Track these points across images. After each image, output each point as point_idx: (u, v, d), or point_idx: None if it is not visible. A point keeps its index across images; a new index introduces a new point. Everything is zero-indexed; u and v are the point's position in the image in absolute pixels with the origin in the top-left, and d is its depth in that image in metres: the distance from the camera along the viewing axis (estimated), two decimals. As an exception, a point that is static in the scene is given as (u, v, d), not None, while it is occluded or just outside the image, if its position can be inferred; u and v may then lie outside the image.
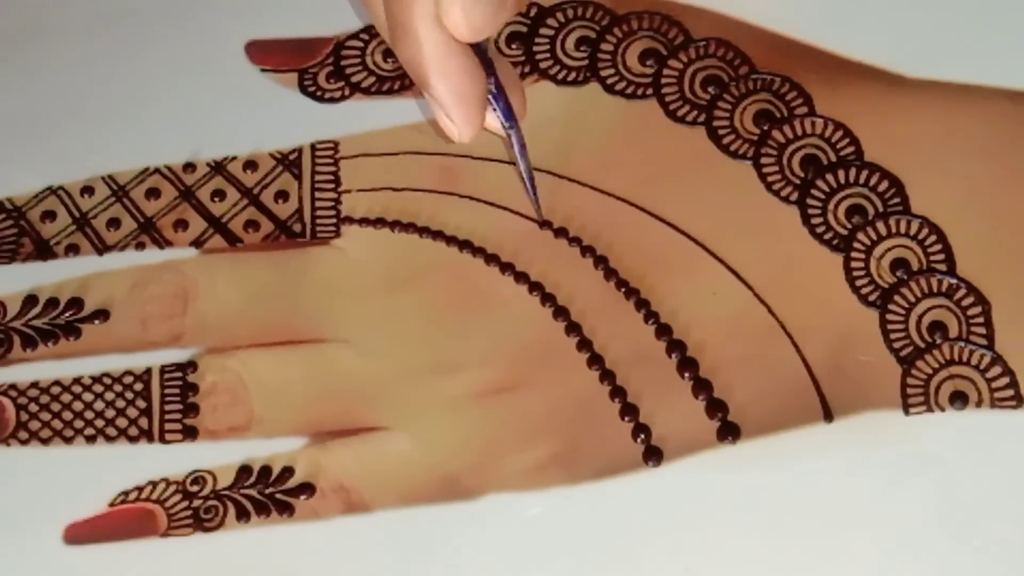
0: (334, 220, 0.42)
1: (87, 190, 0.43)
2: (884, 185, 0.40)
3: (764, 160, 0.41)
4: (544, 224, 0.40)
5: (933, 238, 0.39)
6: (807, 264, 0.39)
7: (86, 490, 0.38)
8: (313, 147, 0.43)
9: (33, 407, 0.39)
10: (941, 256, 0.38)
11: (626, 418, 0.37)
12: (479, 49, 0.35)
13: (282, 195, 0.42)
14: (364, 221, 0.41)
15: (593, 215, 0.40)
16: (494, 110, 0.37)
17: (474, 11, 0.34)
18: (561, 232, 0.40)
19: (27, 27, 0.47)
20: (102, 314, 0.41)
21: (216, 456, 0.38)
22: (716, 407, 0.37)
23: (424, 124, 0.43)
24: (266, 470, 0.38)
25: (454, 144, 0.38)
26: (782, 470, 0.36)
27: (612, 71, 0.43)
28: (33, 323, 0.41)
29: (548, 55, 0.43)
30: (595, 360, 0.38)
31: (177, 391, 0.39)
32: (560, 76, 0.43)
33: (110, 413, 0.39)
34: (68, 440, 0.39)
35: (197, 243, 0.42)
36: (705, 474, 0.36)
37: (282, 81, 0.44)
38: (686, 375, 0.38)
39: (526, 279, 0.40)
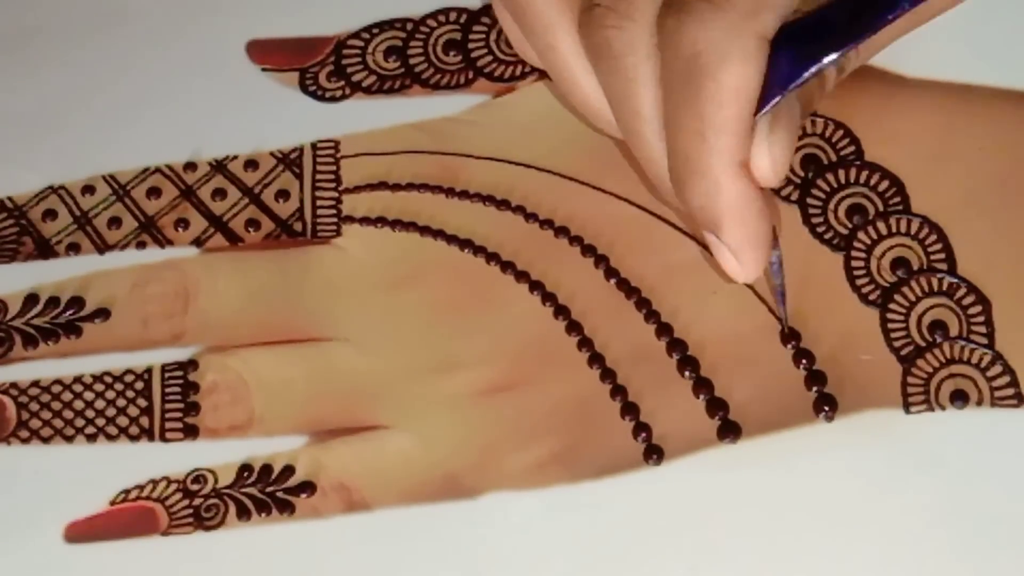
0: (335, 219, 0.42)
1: (88, 189, 0.43)
2: (884, 185, 0.40)
3: (764, 160, 0.41)
4: (786, 329, 0.38)
5: (933, 237, 0.39)
6: (807, 263, 0.39)
7: (87, 489, 0.38)
8: (314, 146, 0.43)
9: (34, 406, 0.39)
10: (941, 255, 0.38)
11: (627, 417, 0.37)
12: None
13: (283, 194, 0.42)
14: (365, 220, 0.41)
15: (594, 214, 0.40)
16: None
17: (781, 157, 0.32)
18: (562, 232, 0.40)
19: (27, 27, 0.47)
20: (103, 313, 0.41)
21: (217, 455, 0.38)
22: (716, 406, 0.37)
23: (424, 123, 0.43)
24: (267, 469, 0.38)
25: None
26: (782, 469, 0.36)
27: (613, 71, 0.43)
28: (34, 322, 0.41)
29: (549, 55, 0.43)
30: (596, 359, 0.38)
31: (178, 390, 0.39)
32: (561, 76, 0.43)
33: (111, 412, 0.39)
34: (69, 439, 0.39)
35: (198, 242, 0.42)
36: (706, 473, 0.36)
37: (283, 80, 0.44)
38: (687, 374, 0.38)
39: (527, 278, 0.40)
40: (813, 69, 0.31)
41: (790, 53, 0.31)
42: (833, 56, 0.31)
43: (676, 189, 0.33)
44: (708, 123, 0.32)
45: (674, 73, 0.32)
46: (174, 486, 0.38)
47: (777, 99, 0.32)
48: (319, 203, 0.42)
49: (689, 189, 0.33)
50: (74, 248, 0.42)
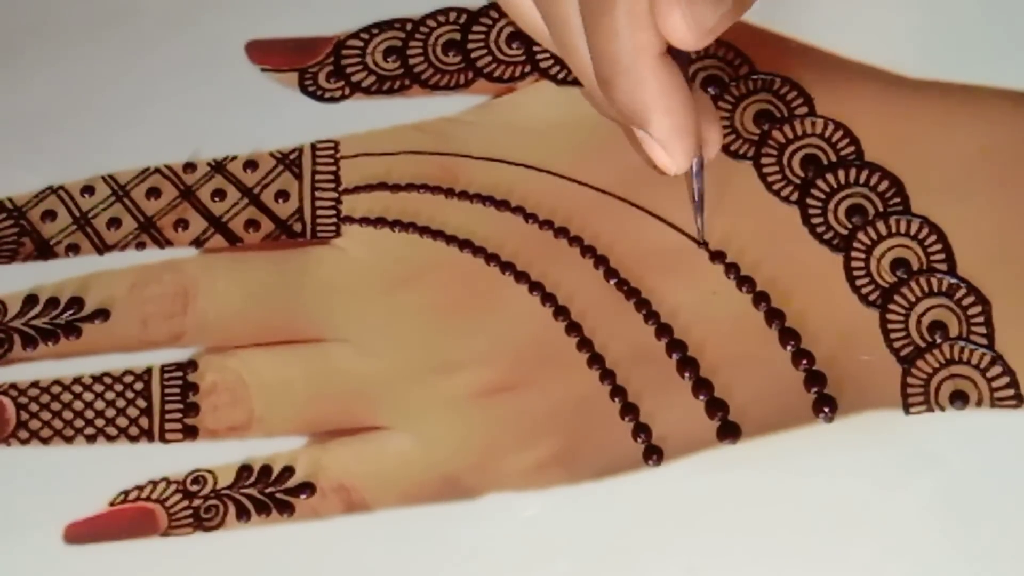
0: (334, 220, 0.42)
1: (87, 190, 0.43)
2: (884, 185, 0.40)
3: (764, 160, 0.41)
4: (703, 244, 0.39)
5: (933, 238, 0.39)
6: (807, 264, 0.39)
7: (86, 489, 0.38)
8: (313, 147, 0.43)
9: (33, 406, 0.39)
10: (941, 256, 0.38)
11: (626, 418, 0.37)
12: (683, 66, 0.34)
13: (282, 195, 0.42)
14: (364, 221, 0.41)
15: (594, 215, 0.40)
16: None
17: (704, 17, 0.32)
18: (561, 232, 0.40)
19: (27, 27, 0.47)
20: (102, 313, 0.41)
21: (216, 455, 0.38)
22: (716, 407, 0.37)
23: (424, 123, 0.43)
24: (266, 469, 0.38)
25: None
26: (782, 470, 0.36)
27: (612, 71, 0.43)
28: (34, 322, 0.41)
29: (549, 54, 0.43)
30: (595, 360, 0.38)
31: (177, 390, 0.39)
32: (561, 76, 0.43)
33: (110, 412, 0.39)
34: (68, 439, 0.39)
35: (197, 242, 0.42)
36: (705, 474, 0.36)
37: (282, 81, 0.44)
38: (686, 375, 0.38)
39: (526, 279, 0.40)
40: None
41: None
42: None
43: (604, 92, 0.34)
44: (621, 22, 0.32)
45: None
46: (174, 487, 0.38)
47: None
48: (319, 204, 0.42)
49: (614, 88, 0.33)
50: (74, 249, 0.42)
